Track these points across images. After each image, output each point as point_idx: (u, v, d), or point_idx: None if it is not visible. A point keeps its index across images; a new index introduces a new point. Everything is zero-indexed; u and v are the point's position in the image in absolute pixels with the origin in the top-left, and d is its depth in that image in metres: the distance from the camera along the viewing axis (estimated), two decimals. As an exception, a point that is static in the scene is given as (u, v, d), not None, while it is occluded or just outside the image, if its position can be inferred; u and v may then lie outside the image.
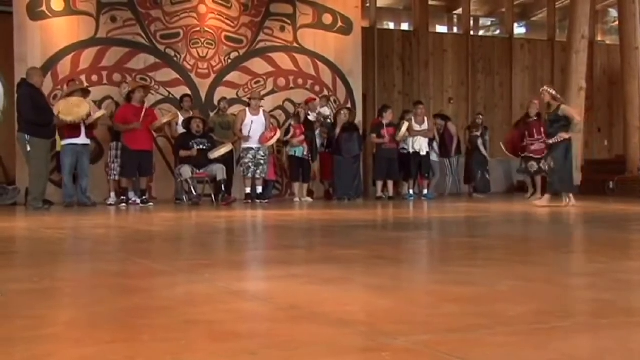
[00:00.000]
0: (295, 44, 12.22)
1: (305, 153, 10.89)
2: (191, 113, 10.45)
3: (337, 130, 11.10)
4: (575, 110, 8.80)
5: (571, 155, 8.75)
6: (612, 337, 1.77)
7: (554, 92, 8.77)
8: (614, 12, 16.45)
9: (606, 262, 3.39)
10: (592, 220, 6.92)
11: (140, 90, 9.98)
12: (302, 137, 10.85)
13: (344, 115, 11.26)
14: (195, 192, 9.99)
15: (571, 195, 8.67)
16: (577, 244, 4.75)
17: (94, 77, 10.95)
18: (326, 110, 11.69)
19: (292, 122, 10.94)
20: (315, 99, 11.89)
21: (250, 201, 10.13)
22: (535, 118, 10.90)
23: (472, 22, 15.95)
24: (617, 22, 15.08)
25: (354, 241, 4.61)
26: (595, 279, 2.79)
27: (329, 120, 11.53)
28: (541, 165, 10.14)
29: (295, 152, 10.89)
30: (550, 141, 8.63)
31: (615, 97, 15.95)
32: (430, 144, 12.00)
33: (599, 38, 16.73)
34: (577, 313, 2.19)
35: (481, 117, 13.15)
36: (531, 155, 10.81)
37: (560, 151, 8.56)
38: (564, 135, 8.48)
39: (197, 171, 9.96)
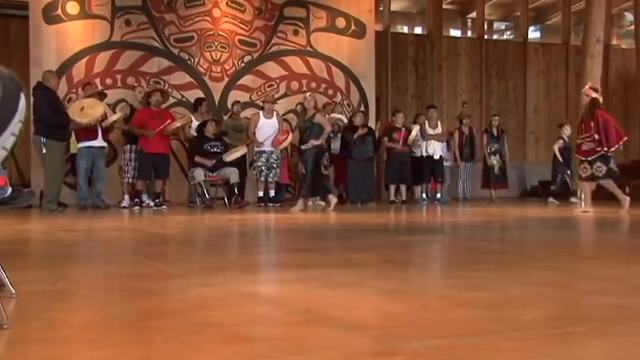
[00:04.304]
0: (308, 48, 12.25)
1: None
2: (203, 117, 10.51)
3: (356, 135, 11.10)
4: (326, 120, 9.26)
5: (320, 162, 9.03)
6: (627, 343, 1.76)
7: (319, 100, 9.27)
8: (629, 16, 16.38)
9: (621, 268, 3.36)
10: (607, 225, 6.87)
11: (156, 93, 10.05)
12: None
13: (359, 118, 11.26)
14: (208, 195, 10.03)
15: (311, 201, 9.11)
16: (591, 249, 4.72)
17: (108, 80, 11.02)
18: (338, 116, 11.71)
19: None
20: (332, 103, 11.94)
21: (262, 204, 10.15)
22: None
23: (486, 26, 15.92)
24: (632, 26, 15.01)
25: (367, 245, 4.60)
26: (610, 284, 2.77)
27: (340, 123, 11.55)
28: (594, 170, 8.57)
29: None
30: (302, 147, 8.98)
31: (630, 101, 15.85)
32: (448, 148, 12.04)
33: (614, 42, 16.66)
34: (591, 318, 2.18)
35: (497, 118, 13.05)
36: (581, 157, 8.80)
37: (311, 157, 8.91)
38: (314, 142, 8.88)
39: (210, 174, 10.01)
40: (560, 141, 11.90)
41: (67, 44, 10.87)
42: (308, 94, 9.68)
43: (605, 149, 8.38)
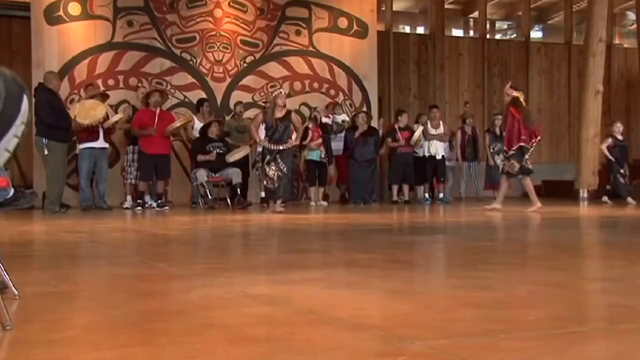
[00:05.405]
0: (310, 48, 12.24)
1: (322, 156, 10.90)
2: (205, 117, 10.51)
3: (357, 134, 11.09)
4: (300, 122, 9.21)
5: (292, 162, 9.06)
6: (631, 342, 1.76)
7: (286, 100, 9.07)
8: (631, 15, 16.34)
9: (624, 267, 3.36)
10: (610, 225, 6.87)
11: (155, 94, 10.04)
12: (320, 140, 10.87)
13: (362, 119, 11.26)
14: (211, 195, 10.02)
15: (279, 202, 8.77)
16: (594, 248, 4.71)
17: (111, 81, 11.01)
18: (341, 117, 11.77)
19: (310, 125, 10.94)
20: (335, 103, 11.95)
21: (265, 205, 10.14)
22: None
23: (488, 26, 15.89)
24: (635, 25, 14.98)
25: (371, 245, 4.60)
26: (613, 283, 2.77)
27: (344, 123, 11.59)
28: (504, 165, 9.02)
29: (312, 155, 10.89)
30: (281, 147, 8.60)
31: (632, 100, 15.83)
32: (451, 148, 12.00)
33: (617, 41, 16.62)
34: (595, 318, 2.17)
35: (499, 117, 12.97)
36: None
37: (289, 157, 8.81)
38: (294, 142, 8.78)
39: (213, 175, 10.00)
40: (609, 140, 11.40)
41: (69, 45, 10.86)
42: (281, 90, 9.47)
43: (505, 148, 8.78)
